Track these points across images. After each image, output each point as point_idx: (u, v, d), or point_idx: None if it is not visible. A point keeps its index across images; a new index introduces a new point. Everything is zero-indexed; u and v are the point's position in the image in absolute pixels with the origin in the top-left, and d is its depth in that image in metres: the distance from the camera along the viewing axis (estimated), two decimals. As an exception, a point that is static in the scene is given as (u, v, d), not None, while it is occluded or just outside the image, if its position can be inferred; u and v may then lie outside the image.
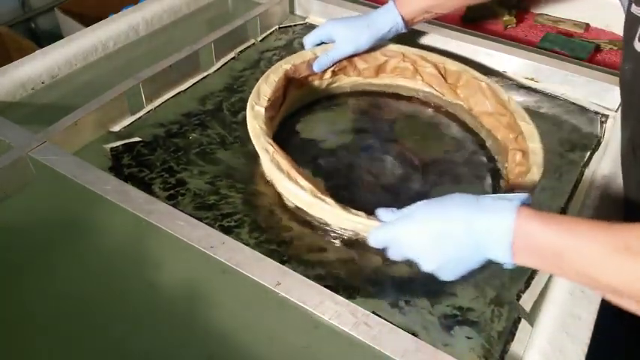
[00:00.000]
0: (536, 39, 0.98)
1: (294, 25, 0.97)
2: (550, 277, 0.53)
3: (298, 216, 0.60)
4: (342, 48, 0.74)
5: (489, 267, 0.47)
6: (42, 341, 0.50)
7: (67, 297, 0.54)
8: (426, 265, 0.47)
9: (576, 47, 0.94)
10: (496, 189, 0.66)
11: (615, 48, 0.95)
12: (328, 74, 0.77)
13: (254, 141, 0.60)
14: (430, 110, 0.78)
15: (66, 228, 0.60)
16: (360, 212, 0.53)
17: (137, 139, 0.69)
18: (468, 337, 0.50)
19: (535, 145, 0.62)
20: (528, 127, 0.65)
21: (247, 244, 0.55)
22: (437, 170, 0.68)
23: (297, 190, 0.55)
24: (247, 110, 0.64)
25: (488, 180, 0.67)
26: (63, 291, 0.54)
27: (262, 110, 0.64)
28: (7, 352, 0.49)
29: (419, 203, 0.48)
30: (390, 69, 0.79)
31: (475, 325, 0.51)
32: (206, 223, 0.54)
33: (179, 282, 0.55)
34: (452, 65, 0.75)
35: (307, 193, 0.55)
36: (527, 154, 0.61)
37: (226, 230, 0.58)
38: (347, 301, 0.47)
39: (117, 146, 0.68)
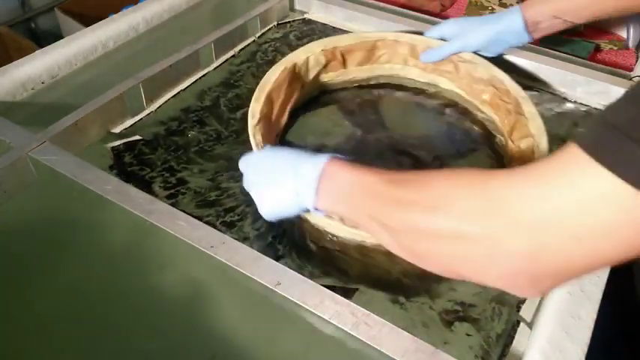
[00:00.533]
0: (536, 39, 0.98)
1: (293, 21, 0.97)
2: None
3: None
4: (449, 45, 0.74)
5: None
6: (42, 341, 0.50)
7: (67, 297, 0.54)
8: (252, 194, 0.53)
9: (576, 47, 0.94)
10: (499, 160, 0.67)
11: (615, 48, 0.95)
12: (317, 70, 0.76)
13: (255, 147, 0.61)
14: (428, 98, 0.79)
15: (66, 228, 0.60)
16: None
17: (137, 137, 0.69)
18: (468, 335, 0.50)
19: (531, 109, 0.64)
20: (511, 84, 0.67)
21: (248, 238, 0.57)
22: (439, 163, 0.68)
23: None
24: (249, 117, 0.63)
25: (490, 152, 0.68)
26: (63, 291, 0.54)
27: (258, 113, 0.64)
28: (7, 351, 0.49)
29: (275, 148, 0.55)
30: (383, 59, 0.79)
31: (475, 323, 0.51)
32: (208, 221, 0.54)
33: (179, 282, 0.55)
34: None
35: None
36: (527, 119, 0.63)
37: (229, 225, 0.59)
38: (347, 301, 0.47)
39: (118, 145, 0.68)
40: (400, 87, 0.81)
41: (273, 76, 0.69)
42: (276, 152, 0.53)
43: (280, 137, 0.71)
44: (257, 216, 0.59)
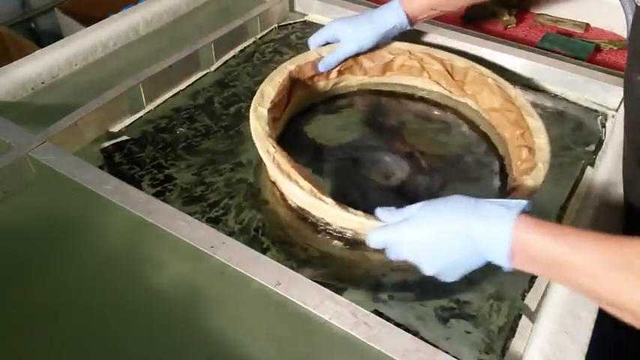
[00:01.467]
0: (536, 39, 0.98)
1: (293, 23, 0.97)
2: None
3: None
4: (346, 47, 0.74)
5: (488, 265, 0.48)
6: (41, 340, 0.50)
7: (66, 296, 0.54)
8: (427, 269, 0.47)
9: (576, 47, 0.94)
10: (504, 188, 0.66)
11: (615, 48, 0.95)
12: (334, 74, 0.77)
13: (256, 143, 0.61)
14: (437, 109, 0.78)
15: (66, 228, 0.60)
16: (358, 212, 0.54)
17: (126, 137, 0.70)
18: (467, 332, 0.50)
19: (541, 140, 0.62)
20: (535, 123, 0.65)
21: (234, 232, 0.57)
22: (444, 170, 0.68)
23: (297, 191, 0.56)
24: (251, 111, 0.64)
25: (497, 179, 0.67)
26: (63, 290, 0.54)
27: (265, 112, 0.64)
28: (7, 351, 0.49)
29: (418, 204, 0.48)
30: (396, 67, 0.79)
31: (473, 319, 0.51)
32: (195, 218, 0.54)
33: (179, 282, 0.55)
34: (459, 62, 0.75)
35: (307, 193, 0.55)
36: (534, 151, 0.61)
37: (215, 220, 0.59)
38: (347, 301, 0.47)
39: (107, 146, 0.68)
40: (419, 98, 0.81)
41: (277, 77, 0.69)
42: (431, 221, 0.46)
43: (284, 141, 0.71)
44: (240, 208, 0.61)
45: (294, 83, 0.72)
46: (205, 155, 0.68)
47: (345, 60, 0.76)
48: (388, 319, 0.46)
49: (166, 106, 0.76)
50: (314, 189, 0.55)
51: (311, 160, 0.67)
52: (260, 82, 0.68)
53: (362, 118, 0.77)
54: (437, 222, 0.46)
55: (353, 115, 0.77)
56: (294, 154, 0.59)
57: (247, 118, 0.64)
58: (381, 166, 0.68)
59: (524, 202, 0.44)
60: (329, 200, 0.54)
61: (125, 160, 0.67)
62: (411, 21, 0.75)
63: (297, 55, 0.74)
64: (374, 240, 0.49)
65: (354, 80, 0.79)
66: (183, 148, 0.69)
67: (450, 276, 0.47)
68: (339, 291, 0.50)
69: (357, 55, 0.76)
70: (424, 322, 0.51)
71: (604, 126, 0.76)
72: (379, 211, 0.51)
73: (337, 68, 0.76)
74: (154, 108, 0.75)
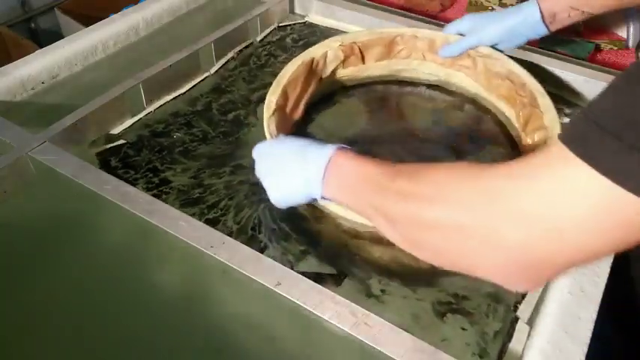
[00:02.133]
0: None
1: (293, 24, 0.97)
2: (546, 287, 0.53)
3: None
4: (466, 39, 0.74)
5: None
6: (41, 340, 0.50)
7: (66, 296, 0.54)
8: (263, 182, 0.53)
9: (576, 47, 0.94)
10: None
11: (615, 48, 0.95)
12: (335, 64, 0.76)
13: (268, 138, 0.61)
14: (446, 96, 0.79)
15: (66, 228, 0.60)
16: None
17: (122, 141, 0.70)
18: (463, 329, 0.50)
19: (545, 101, 0.64)
20: (537, 86, 0.67)
21: (232, 232, 0.58)
22: (456, 158, 0.68)
23: None
24: (265, 108, 0.64)
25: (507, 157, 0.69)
26: (63, 290, 0.54)
27: (274, 105, 0.65)
28: (7, 351, 0.49)
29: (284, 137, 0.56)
30: (404, 54, 0.79)
31: (470, 316, 0.51)
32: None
33: (179, 282, 0.55)
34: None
35: None
36: (540, 109, 0.64)
37: (213, 222, 0.59)
38: (347, 301, 0.47)
39: (103, 150, 0.68)
40: (418, 83, 0.81)
41: (291, 69, 0.69)
42: (286, 141, 0.54)
43: (296, 131, 0.72)
44: (238, 210, 0.61)
45: (305, 78, 0.72)
46: (202, 160, 0.68)
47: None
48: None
49: (165, 109, 0.76)
50: None
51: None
52: (256, 89, 0.68)
53: (371, 108, 0.77)
54: (283, 149, 0.53)
55: (360, 106, 0.77)
56: None
57: (246, 125, 0.64)
58: (394, 156, 0.68)
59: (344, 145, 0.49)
60: None
61: (120, 164, 0.66)
62: (546, 20, 0.69)
63: (305, 50, 0.74)
64: (254, 150, 0.56)
65: (357, 70, 0.79)
66: (179, 152, 0.69)
67: (279, 198, 0.53)
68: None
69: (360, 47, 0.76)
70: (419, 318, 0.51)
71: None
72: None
73: (341, 58, 0.76)
74: (154, 110, 0.75)
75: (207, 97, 0.79)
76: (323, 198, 0.49)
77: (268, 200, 0.53)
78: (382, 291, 0.53)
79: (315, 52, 0.73)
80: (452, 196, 0.37)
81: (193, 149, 0.69)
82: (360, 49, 0.77)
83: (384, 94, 0.80)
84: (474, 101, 0.78)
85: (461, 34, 0.76)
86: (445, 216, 0.37)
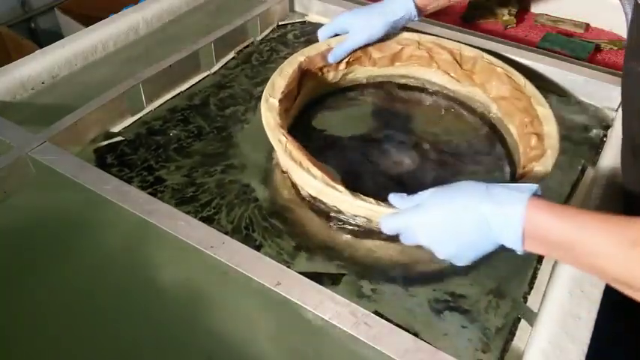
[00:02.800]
0: (536, 39, 0.98)
1: (293, 23, 0.97)
2: (550, 278, 0.53)
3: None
4: (355, 37, 0.74)
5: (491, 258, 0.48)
6: (41, 340, 0.50)
7: (66, 296, 0.54)
8: (440, 253, 0.48)
9: (576, 47, 0.94)
10: (513, 176, 0.66)
11: (615, 48, 0.95)
12: (343, 65, 0.77)
13: (268, 133, 0.61)
14: (446, 100, 0.79)
15: (66, 228, 0.60)
16: (370, 199, 0.54)
17: (120, 138, 0.70)
18: (463, 327, 0.50)
19: (551, 128, 0.63)
20: (544, 111, 0.65)
21: (227, 232, 0.58)
22: (452, 159, 0.68)
23: (309, 179, 0.56)
24: (262, 102, 0.64)
25: (506, 168, 0.68)
26: (63, 290, 0.54)
27: (276, 103, 0.64)
28: (6, 351, 0.49)
29: (430, 190, 0.49)
30: (405, 57, 0.79)
31: (469, 314, 0.51)
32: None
33: (179, 282, 0.55)
34: (468, 51, 0.76)
35: (319, 181, 0.55)
36: (543, 138, 0.62)
37: (208, 220, 0.60)
38: (347, 301, 0.47)
39: (100, 147, 0.68)
40: (423, 89, 0.81)
41: (290, 63, 0.69)
42: (444, 201, 0.47)
43: (296, 127, 0.72)
44: (230, 208, 0.61)
45: (304, 74, 0.72)
46: (195, 157, 0.68)
47: (354, 51, 0.76)
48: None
49: (165, 106, 0.76)
50: (326, 177, 0.55)
51: (321, 151, 0.67)
52: (258, 84, 0.68)
53: (371, 109, 0.77)
54: (449, 206, 0.46)
55: (362, 107, 0.77)
56: (304, 146, 0.59)
57: (244, 121, 0.63)
58: (391, 157, 0.68)
59: (535, 186, 0.45)
60: (341, 188, 0.54)
61: (116, 161, 0.67)
62: (420, 10, 0.74)
63: (307, 47, 0.74)
64: (387, 226, 0.50)
65: (362, 71, 0.79)
66: (174, 150, 0.69)
67: (462, 260, 0.48)
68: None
69: (366, 46, 0.76)
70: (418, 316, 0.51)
71: (604, 126, 0.76)
72: (392, 197, 0.52)
73: (346, 59, 0.76)
74: (154, 109, 0.75)
75: (206, 92, 0.79)
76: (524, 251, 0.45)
77: (257, 200, 0.53)
78: (373, 290, 0.53)
79: (310, 51, 0.73)
80: None
81: (188, 146, 0.70)
82: (369, 50, 0.77)
83: (389, 95, 0.80)
84: (476, 111, 0.78)
85: (337, 34, 0.76)
86: None
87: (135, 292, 0.54)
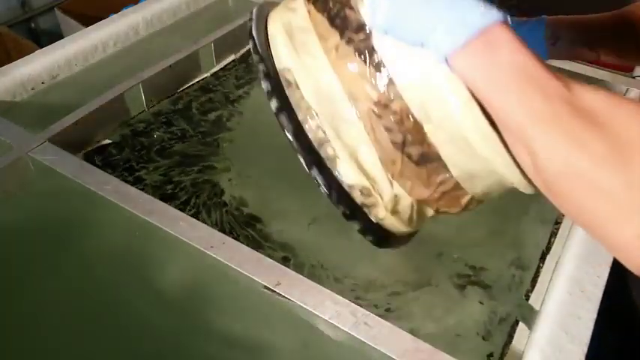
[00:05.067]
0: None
1: None
2: (552, 277, 0.53)
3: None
4: None
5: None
6: (41, 340, 0.50)
7: (66, 296, 0.54)
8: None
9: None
10: None
11: (615, 48, 0.95)
12: None
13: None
14: None
15: (66, 228, 0.60)
16: None
17: (108, 141, 0.70)
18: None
19: None
20: None
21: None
22: None
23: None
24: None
25: None
26: (62, 290, 0.54)
27: None
28: (7, 351, 0.49)
29: None
30: None
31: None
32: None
33: (179, 282, 0.55)
34: None
35: None
36: None
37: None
38: (347, 301, 0.47)
39: (89, 150, 0.69)
40: None
41: None
42: None
43: None
44: (208, 208, 0.62)
45: None
46: (174, 157, 0.69)
47: None
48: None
49: (170, 104, 0.76)
50: None
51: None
52: (243, 85, 0.67)
53: None
54: None
55: None
56: None
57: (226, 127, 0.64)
58: None
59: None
60: None
61: (101, 163, 0.67)
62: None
63: None
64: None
65: None
66: (156, 151, 0.70)
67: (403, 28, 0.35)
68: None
69: None
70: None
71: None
72: None
73: None
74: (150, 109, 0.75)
75: (190, 96, 0.80)
76: (445, 62, 0.34)
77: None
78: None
79: None
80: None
81: (170, 147, 0.70)
82: None
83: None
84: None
85: None
86: (618, 184, 0.31)
87: (134, 291, 0.54)
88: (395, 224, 0.40)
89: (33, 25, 1.61)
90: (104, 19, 0.88)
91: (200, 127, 0.74)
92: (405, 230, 0.41)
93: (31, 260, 0.57)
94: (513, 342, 0.49)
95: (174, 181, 0.65)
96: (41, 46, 0.82)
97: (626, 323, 0.65)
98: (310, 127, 0.38)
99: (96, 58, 0.84)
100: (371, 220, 0.39)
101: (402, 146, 0.37)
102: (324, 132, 0.38)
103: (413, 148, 0.37)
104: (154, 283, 0.55)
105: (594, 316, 0.47)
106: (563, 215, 0.62)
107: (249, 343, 0.50)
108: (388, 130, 0.37)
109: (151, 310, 0.53)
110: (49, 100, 0.77)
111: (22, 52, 0.90)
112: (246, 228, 0.60)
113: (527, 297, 0.53)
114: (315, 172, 0.38)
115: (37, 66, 0.77)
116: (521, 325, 0.51)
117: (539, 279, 0.55)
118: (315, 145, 0.38)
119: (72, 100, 0.72)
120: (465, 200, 0.39)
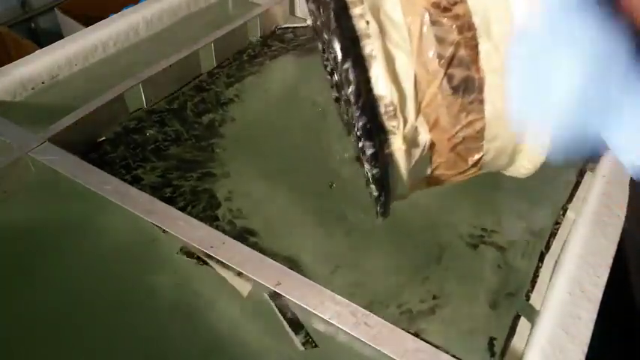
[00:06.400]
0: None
1: (294, 28, 0.97)
2: (552, 277, 0.54)
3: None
4: None
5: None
6: (41, 340, 0.50)
7: (66, 297, 0.54)
8: None
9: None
10: None
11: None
12: None
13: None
14: None
15: (66, 228, 0.60)
16: None
17: (102, 138, 0.70)
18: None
19: None
20: None
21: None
22: None
23: None
24: None
25: None
26: (62, 291, 0.54)
27: None
28: (7, 351, 0.49)
29: None
30: None
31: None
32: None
33: (179, 282, 0.55)
34: None
35: None
36: None
37: None
38: (347, 301, 0.47)
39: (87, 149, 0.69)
40: None
41: None
42: None
43: None
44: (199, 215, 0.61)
45: None
46: (172, 160, 0.68)
47: None
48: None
49: (169, 104, 0.76)
50: None
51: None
52: (233, 83, 0.67)
53: None
54: None
55: None
56: None
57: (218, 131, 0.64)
58: None
59: None
60: None
61: (97, 160, 0.67)
62: None
63: None
64: None
65: None
66: (151, 151, 0.69)
67: None
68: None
69: None
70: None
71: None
72: None
73: None
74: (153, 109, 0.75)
75: (184, 96, 0.80)
76: None
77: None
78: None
79: None
80: None
81: (165, 149, 0.70)
82: None
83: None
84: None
85: None
86: None
87: (134, 292, 0.54)
88: (400, 164, 0.35)
89: (33, 25, 1.61)
90: (104, 19, 0.88)
91: (194, 129, 0.74)
92: (398, 184, 0.36)
93: (31, 260, 0.57)
94: (513, 342, 0.49)
95: (173, 185, 0.65)
96: (41, 46, 0.82)
97: (626, 323, 0.65)
98: (354, 12, 0.32)
99: (96, 58, 0.84)
100: (383, 148, 0.34)
101: (447, 63, 0.31)
102: (367, 23, 0.32)
103: (458, 69, 0.32)
104: (154, 283, 0.55)
105: (594, 316, 0.47)
106: (563, 215, 0.62)
107: (249, 344, 0.50)
108: (439, 40, 0.31)
109: (151, 309, 0.53)
110: (49, 100, 0.77)
111: (22, 52, 0.90)
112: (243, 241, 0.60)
113: (528, 297, 0.53)
114: (348, 65, 0.31)
115: (37, 66, 0.77)
116: (521, 325, 0.51)
117: (539, 279, 0.55)
118: (358, 34, 0.32)
119: (72, 100, 0.72)
120: (473, 159, 0.35)
